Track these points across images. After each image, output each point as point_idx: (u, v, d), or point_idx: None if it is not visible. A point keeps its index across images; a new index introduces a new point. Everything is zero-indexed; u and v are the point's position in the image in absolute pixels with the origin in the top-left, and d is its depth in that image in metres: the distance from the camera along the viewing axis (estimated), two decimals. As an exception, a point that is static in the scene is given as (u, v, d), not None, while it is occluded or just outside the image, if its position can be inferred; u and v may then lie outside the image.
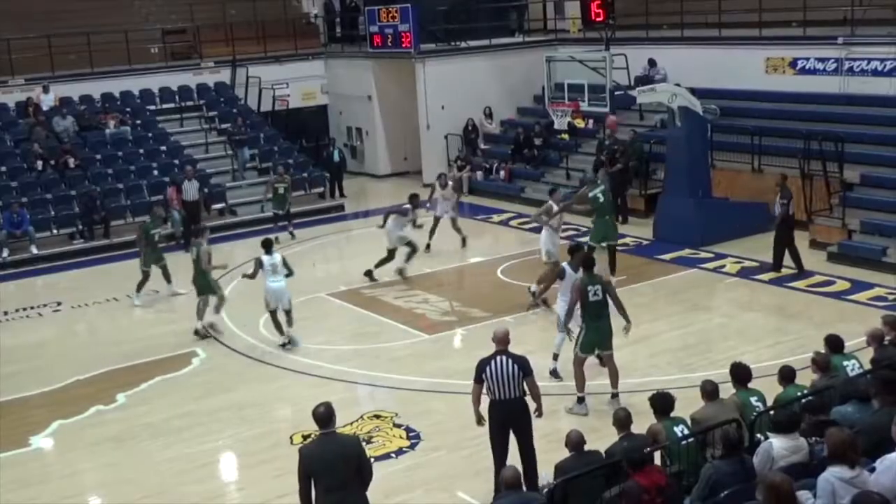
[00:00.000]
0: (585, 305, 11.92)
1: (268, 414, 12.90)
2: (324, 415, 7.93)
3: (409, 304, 17.08)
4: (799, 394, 9.02)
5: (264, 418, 12.76)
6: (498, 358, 9.75)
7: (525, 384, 9.73)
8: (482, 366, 9.78)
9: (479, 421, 9.97)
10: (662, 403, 8.77)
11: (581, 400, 12.08)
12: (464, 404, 12.71)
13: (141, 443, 12.29)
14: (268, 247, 15.31)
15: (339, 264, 21.22)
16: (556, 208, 16.51)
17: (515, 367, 9.68)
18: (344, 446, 7.99)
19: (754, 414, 8.78)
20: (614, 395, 12.12)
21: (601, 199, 17.29)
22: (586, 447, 8.52)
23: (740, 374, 9.30)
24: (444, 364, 14.39)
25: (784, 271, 17.49)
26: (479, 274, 18.68)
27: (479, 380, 9.79)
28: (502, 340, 9.88)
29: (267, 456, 11.65)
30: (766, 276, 17.42)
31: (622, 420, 8.64)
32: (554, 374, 13.07)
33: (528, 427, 9.84)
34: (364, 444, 8.49)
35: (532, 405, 9.92)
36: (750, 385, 9.27)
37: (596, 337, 12.01)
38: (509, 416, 9.72)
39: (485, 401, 9.89)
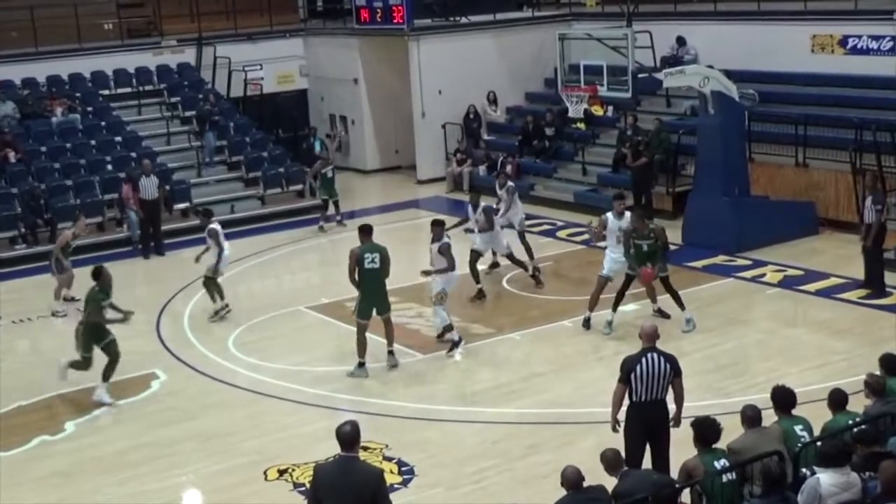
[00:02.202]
0: (362, 273, 14.32)
1: (238, 445, 12.86)
2: (348, 435, 7.98)
3: (402, 319, 17.01)
4: (850, 422, 9.01)
5: (234, 450, 12.72)
6: (649, 355, 10.11)
7: (672, 385, 10.15)
8: (630, 364, 10.11)
9: (616, 427, 10.33)
10: (705, 433, 8.68)
11: (362, 365, 14.61)
12: (463, 434, 12.76)
13: (92, 478, 12.24)
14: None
15: (321, 273, 21.19)
16: (613, 223, 16.04)
17: (668, 365, 10.09)
18: (362, 475, 8.02)
19: (799, 445, 8.76)
20: (391, 353, 14.83)
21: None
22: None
23: (783, 399, 9.27)
24: (441, 388, 14.39)
25: (833, 280, 17.51)
26: (482, 284, 18.63)
27: (625, 380, 10.12)
28: (651, 337, 10.28)
29: (237, 494, 11.62)
30: (812, 288, 17.45)
31: (611, 460, 8.66)
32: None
33: (668, 433, 10.14)
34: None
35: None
36: (794, 412, 9.25)
37: (373, 302, 14.53)
38: (652, 419, 10.06)
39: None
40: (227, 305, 17.56)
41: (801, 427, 9.07)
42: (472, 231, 18.23)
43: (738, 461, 8.54)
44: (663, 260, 15.88)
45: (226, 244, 17.63)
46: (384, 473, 8.44)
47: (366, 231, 14.70)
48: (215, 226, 17.69)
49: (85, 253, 21.22)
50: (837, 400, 9.35)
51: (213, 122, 25.82)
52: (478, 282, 17.87)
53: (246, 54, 28.73)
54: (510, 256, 18.46)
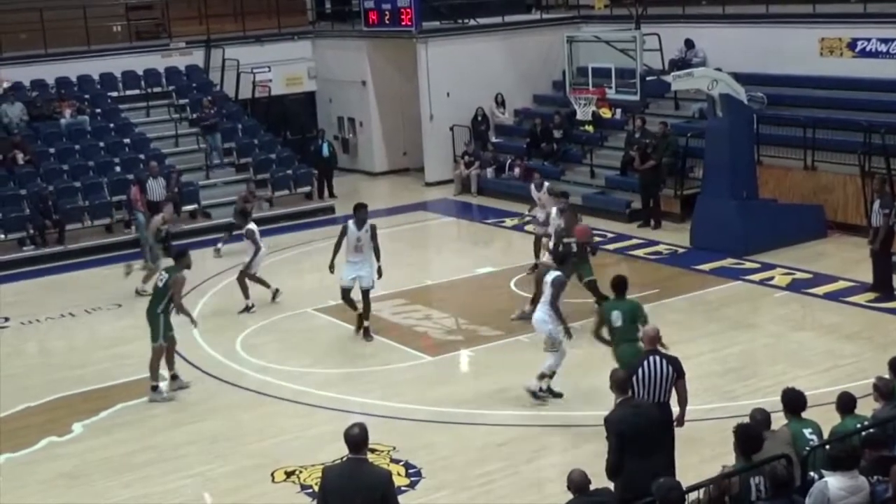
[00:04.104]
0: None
1: (244, 448, 12.86)
2: (357, 437, 7.97)
3: (409, 321, 17.06)
4: (859, 425, 8.99)
5: (240, 453, 12.72)
6: (650, 358, 10.12)
7: (675, 387, 10.15)
8: (633, 368, 10.11)
9: None
10: (748, 443, 8.42)
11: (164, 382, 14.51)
12: (470, 436, 12.75)
13: (98, 480, 12.25)
14: None
15: (328, 275, 21.15)
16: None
17: (670, 367, 10.08)
18: (370, 477, 8.01)
19: (807, 448, 8.73)
20: (174, 377, 14.55)
21: None
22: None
23: (794, 401, 9.22)
24: (449, 390, 14.36)
25: (841, 283, 17.49)
26: (489, 286, 18.68)
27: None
28: (652, 340, 10.36)
29: (244, 496, 11.62)
30: (821, 291, 17.42)
31: (620, 382, 9.13)
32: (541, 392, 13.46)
33: (673, 435, 10.00)
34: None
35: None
36: (804, 415, 9.22)
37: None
38: None
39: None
40: (253, 305, 17.93)
41: (810, 430, 9.03)
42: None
43: (745, 466, 8.50)
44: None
45: (262, 243, 18.14)
46: (392, 475, 8.42)
47: (176, 255, 14.85)
48: (252, 226, 18.18)
49: (93, 255, 21.36)
50: (846, 403, 9.31)
51: (207, 126, 25.83)
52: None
53: (254, 56, 28.76)
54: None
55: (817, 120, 21.24)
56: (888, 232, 16.75)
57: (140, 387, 14.83)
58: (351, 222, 16.14)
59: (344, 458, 8.18)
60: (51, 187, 23.15)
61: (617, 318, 12.24)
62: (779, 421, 9.25)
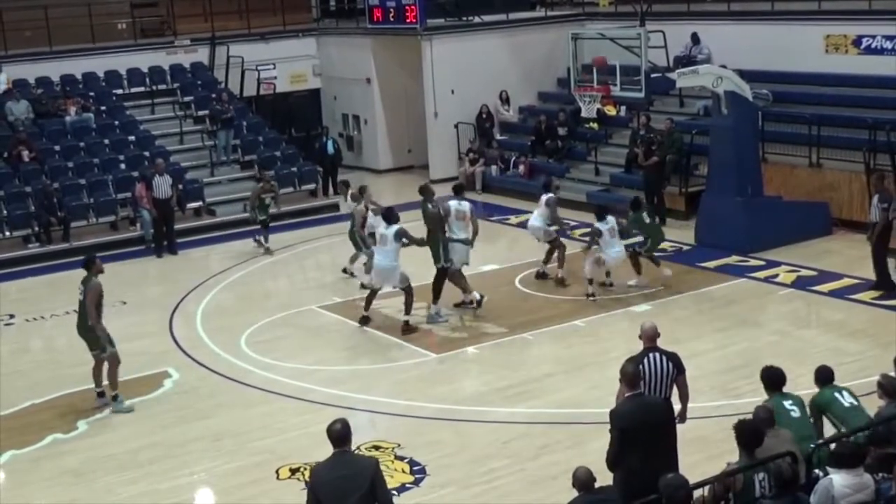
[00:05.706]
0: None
1: (249, 445, 12.87)
2: (339, 433, 8.00)
3: (413, 320, 17.05)
4: (837, 394, 9.36)
5: (245, 450, 12.73)
6: (651, 355, 10.04)
7: (676, 384, 10.10)
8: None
9: None
10: (749, 437, 8.44)
11: (115, 398, 14.09)
12: (475, 434, 12.76)
13: (103, 477, 12.26)
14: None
15: (333, 272, 21.17)
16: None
17: (670, 363, 10.04)
18: (356, 466, 8.04)
19: (812, 446, 8.74)
20: (100, 394, 14.12)
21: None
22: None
23: (773, 378, 9.48)
24: (454, 388, 14.38)
25: (846, 281, 17.47)
26: (493, 284, 18.66)
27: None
28: (651, 337, 10.24)
29: (248, 493, 11.63)
30: (825, 288, 17.40)
31: (630, 376, 8.98)
32: None
33: (675, 432, 9.82)
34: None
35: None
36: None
37: (80, 334, 14.14)
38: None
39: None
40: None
41: (790, 402, 9.27)
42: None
43: (751, 462, 8.51)
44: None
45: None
46: (379, 462, 8.41)
47: (84, 264, 14.22)
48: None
49: (98, 252, 21.23)
50: (824, 376, 9.66)
51: (224, 120, 25.87)
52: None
53: (259, 54, 28.83)
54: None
55: (822, 117, 21.21)
56: (885, 226, 16.73)
57: (144, 384, 14.92)
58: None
59: (330, 455, 8.17)
60: (56, 184, 23.17)
61: None
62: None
